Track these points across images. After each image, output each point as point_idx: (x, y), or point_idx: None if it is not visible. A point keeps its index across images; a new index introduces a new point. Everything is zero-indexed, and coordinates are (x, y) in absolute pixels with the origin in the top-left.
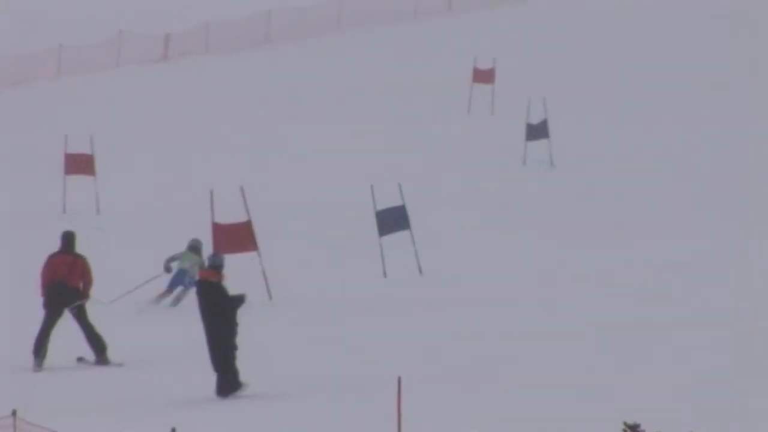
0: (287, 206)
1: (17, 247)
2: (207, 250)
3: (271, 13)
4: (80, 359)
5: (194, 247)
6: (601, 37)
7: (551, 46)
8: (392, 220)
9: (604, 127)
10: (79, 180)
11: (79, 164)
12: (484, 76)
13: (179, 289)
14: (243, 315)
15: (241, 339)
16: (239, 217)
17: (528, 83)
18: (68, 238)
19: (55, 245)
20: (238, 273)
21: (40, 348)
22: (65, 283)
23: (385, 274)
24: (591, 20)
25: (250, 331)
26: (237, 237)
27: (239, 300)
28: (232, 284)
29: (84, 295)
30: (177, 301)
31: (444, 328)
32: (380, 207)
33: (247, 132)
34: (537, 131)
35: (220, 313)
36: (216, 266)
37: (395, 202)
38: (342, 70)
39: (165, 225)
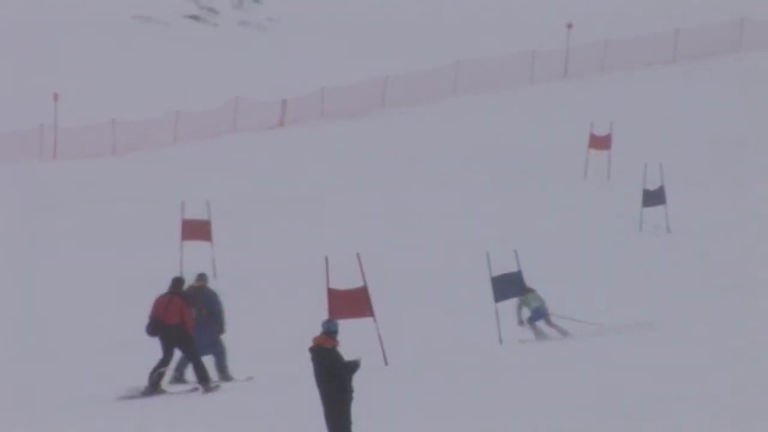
0: (403, 272)
1: (136, 313)
2: (323, 315)
3: (388, 78)
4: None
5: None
6: (717, 102)
7: (667, 111)
8: (508, 286)
9: (721, 192)
10: (195, 245)
11: (196, 230)
12: (600, 142)
13: (540, 322)
14: (359, 380)
15: (356, 404)
16: (355, 283)
17: (644, 149)
18: (174, 281)
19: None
20: (354, 339)
21: (152, 382)
22: (161, 321)
23: (500, 340)
24: (706, 85)
25: (366, 397)
26: (353, 303)
27: (354, 365)
28: (348, 350)
29: (187, 330)
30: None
31: (562, 394)
32: (496, 273)
33: (362, 197)
34: (654, 197)
35: (335, 379)
36: (330, 332)
37: (511, 267)
38: (457, 136)
39: (281, 290)
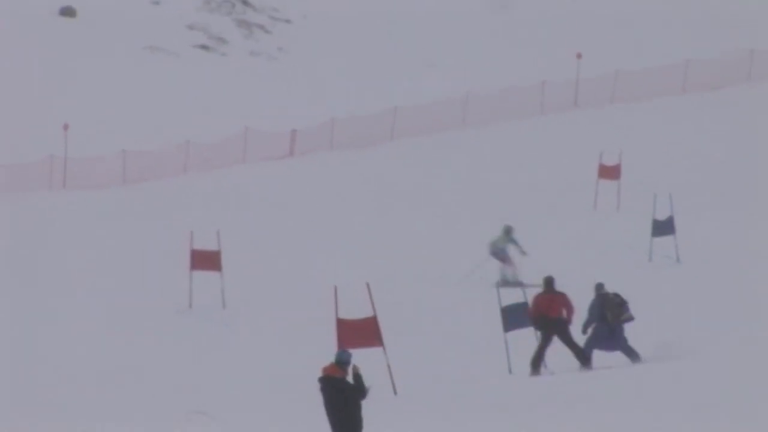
0: (412, 301)
1: (145, 343)
2: (333, 345)
3: (397, 109)
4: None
5: (507, 230)
6: (727, 133)
7: (677, 142)
8: (517, 316)
9: (731, 223)
10: (205, 275)
11: (206, 260)
12: (609, 172)
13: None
14: (368, 410)
15: None
16: (364, 313)
17: (654, 179)
18: (547, 281)
19: (180, 339)
20: (363, 368)
21: (535, 362)
22: (546, 315)
23: (510, 370)
24: (715, 115)
25: (376, 427)
26: (362, 332)
27: (362, 392)
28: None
29: (567, 321)
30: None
31: (571, 426)
32: (505, 303)
33: (371, 227)
34: (663, 227)
35: (345, 408)
36: (341, 362)
37: (520, 298)
38: (467, 166)
39: (291, 320)
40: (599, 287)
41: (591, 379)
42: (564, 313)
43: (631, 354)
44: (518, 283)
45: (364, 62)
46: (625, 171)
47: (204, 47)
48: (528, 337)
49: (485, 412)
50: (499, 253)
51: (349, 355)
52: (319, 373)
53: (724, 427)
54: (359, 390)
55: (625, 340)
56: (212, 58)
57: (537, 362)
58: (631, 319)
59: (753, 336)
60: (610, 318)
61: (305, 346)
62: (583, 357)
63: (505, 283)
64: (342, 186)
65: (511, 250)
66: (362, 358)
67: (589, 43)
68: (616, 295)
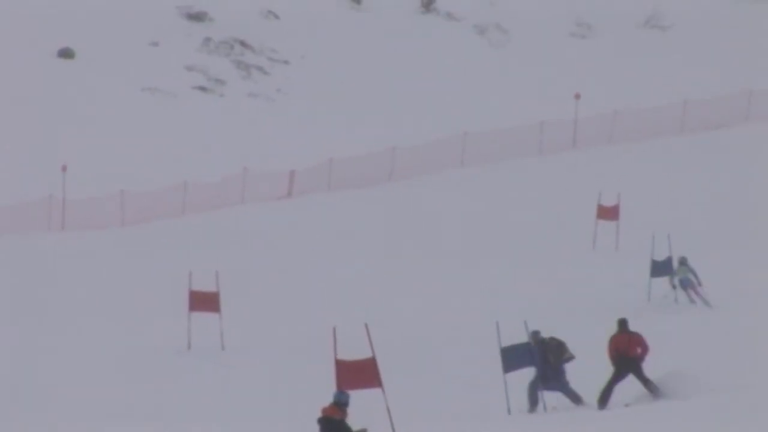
0: (411, 341)
1: (143, 384)
2: (331, 387)
3: (396, 149)
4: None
5: (682, 261)
6: (725, 173)
7: (675, 182)
8: (517, 356)
9: (730, 263)
10: (203, 317)
11: (204, 301)
12: (608, 212)
13: (689, 291)
14: None
15: None
16: (363, 354)
17: (652, 219)
18: (621, 323)
19: (179, 380)
20: (362, 410)
21: (603, 398)
22: (624, 355)
23: (509, 411)
24: (713, 156)
25: None
26: (361, 373)
27: None
28: (356, 421)
29: (641, 359)
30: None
31: None
32: (505, 343)
33: (370, 267)
34: (662, 268)
35: None
36: (340, 404)
37: (520, 338)
38: (465, 206)
39: (289, 361)
40: (535, 334)
41: (589, 420)
42: (639, 351)
43: (573, 396)
44: (707, 303)
45: (361, 103)
46: (623, 211)
47: (202, 88)
48: (528, 378)
49: None
50: (684, 282)
51: (348, 396)
52: (318, 414)
53: None
54: None
55: (567, 382)
56: (211, 99)
57: (605, 398)
58: (572, 358)
59: (753, 375)
60: (552, 360)
61: (304, 387)
62: (655, 388)
63: (703, 303)
64: (340, 226)
65: (691, 277)
66: (361, 400)
67: (587, 83)
68: (553, 338)
